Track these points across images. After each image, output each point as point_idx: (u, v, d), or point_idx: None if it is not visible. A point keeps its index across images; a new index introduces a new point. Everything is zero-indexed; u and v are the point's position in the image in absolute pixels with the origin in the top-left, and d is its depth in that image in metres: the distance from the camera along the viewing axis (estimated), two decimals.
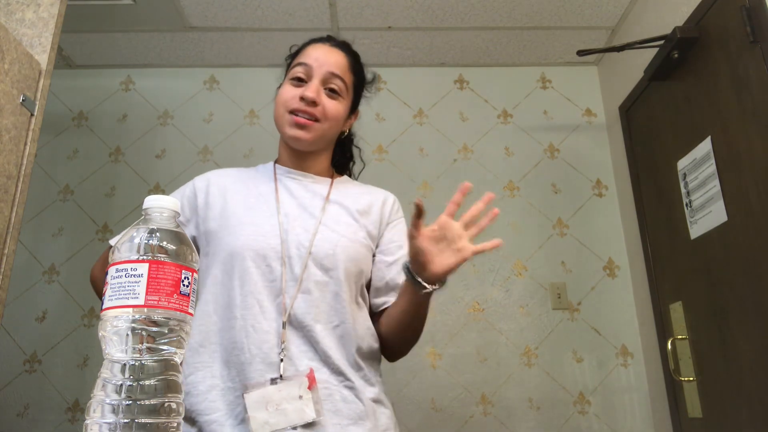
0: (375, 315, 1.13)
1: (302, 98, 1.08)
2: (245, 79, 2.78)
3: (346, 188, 1.19)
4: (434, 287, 0.95)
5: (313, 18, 2.49)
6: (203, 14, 2.47)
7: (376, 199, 1.19)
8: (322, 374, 0.99)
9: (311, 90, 1.09)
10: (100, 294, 1.12)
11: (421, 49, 2.69)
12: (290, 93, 1.11)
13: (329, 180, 1.18)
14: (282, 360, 0.97)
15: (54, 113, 2.67)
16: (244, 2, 2.41)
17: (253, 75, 2.78)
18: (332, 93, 1.12)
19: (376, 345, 1.09)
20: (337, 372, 1.00)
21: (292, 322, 1.00)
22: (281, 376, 0.96)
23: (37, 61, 1.55)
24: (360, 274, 1.08)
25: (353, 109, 1.21)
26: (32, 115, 1.52)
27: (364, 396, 1.01)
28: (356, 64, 1.19)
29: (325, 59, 1.12)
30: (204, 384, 0.98)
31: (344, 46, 1.19)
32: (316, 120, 1.09)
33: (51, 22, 1.60)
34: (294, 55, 1.19)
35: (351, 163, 1.30)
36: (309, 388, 0.95)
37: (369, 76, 1.25)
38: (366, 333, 1.07)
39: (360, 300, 1.09)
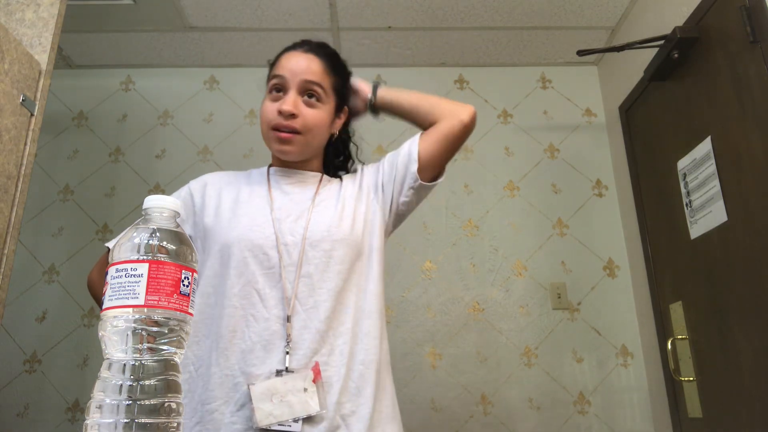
0: (425, 154, 1.20)
1: (280, 112, 1.10)
2: (245, 79, 2.78)
3: (333, 184, 1.21)
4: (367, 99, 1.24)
5: (313, 18, 2.49)
6: (203, 14, 2.47)
7: (354, 180, 1.22)
8: (321, 356, 1.00)
9: (288, 103, 1.09)
10: (97, 299, 1.12)
11: (421, 49, 2.69)
12: (270, 108, 1.12)
13: (319, 176, 1.21)
14: (288, 353, 0.98)
15: (54, 113, 2.67)
16: (244, 2, 2.40)
17: (253, 75, 2.74)
18: (311, 100, 1.12)
19: (380, 316, 1.10)
20: (337, 353, 1.02)
21: (295, 308, 1.02)
22: (287, 368, 0.97)
23: (37, 61, 1.55)
24: (360, 248, 1.11)
25: (339, 109, 1.21)
26: (32, 115, 1.52)
27: (366, 374, 1.03)
28: (334, 65, 1.18)
29: (298, 68, 1.12)
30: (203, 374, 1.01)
31: (319, 49, 1.18)
32: (298, 132, 1.11)
33: (51, 22, 1.60)
34: (271, 66, 1.20)
35: (350, 162, 1.30)
36: (314, 381, 0.97)
37: (350, 69, 1.24)
38: (374, 307, 1.08)
39: (370, 272, 1.11)
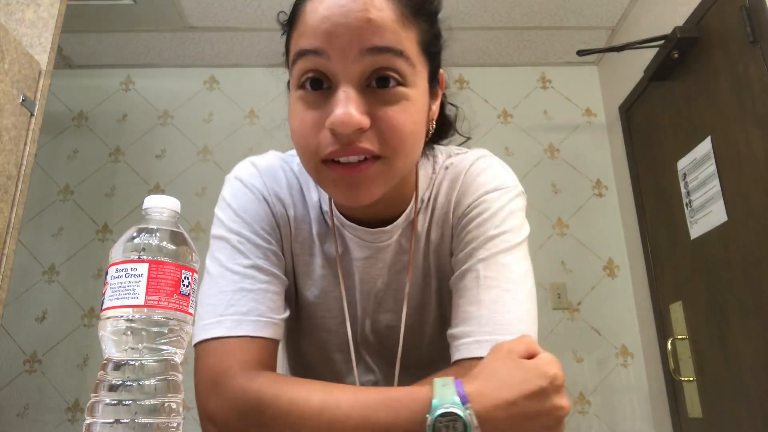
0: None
1: (334, 133, 0.58)
2: (245, 79, 2.78)
3: (426, 222, 0.76)
4: None
5: None
6: (203, 14, 2.47)
7: (431, 223, 0.76)
8: None
9: (345, 113, 0.56)
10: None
11: None
12: (309, 122, 0.59)
13: (399, 228, 0.73)
14: None
15: (54, 113, 2.67)
16: (244, 2, 2.41)
17: (253, 75, 2.78)
18: (387, 89, 0.59)
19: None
20: None
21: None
22: None
23: (37, 61, 1.55)
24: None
25: (434, 78, 0.68)
26: (32, 115, 1.52)
27: None
28: None
29: (347, 29, 0.56)
30: None
31: None
32: (374, 156, 0.59)
33: (51, 22, 1.61)
34: (290, 25, 0.63)
35: (451, 132, 0.82)
36: None
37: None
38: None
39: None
